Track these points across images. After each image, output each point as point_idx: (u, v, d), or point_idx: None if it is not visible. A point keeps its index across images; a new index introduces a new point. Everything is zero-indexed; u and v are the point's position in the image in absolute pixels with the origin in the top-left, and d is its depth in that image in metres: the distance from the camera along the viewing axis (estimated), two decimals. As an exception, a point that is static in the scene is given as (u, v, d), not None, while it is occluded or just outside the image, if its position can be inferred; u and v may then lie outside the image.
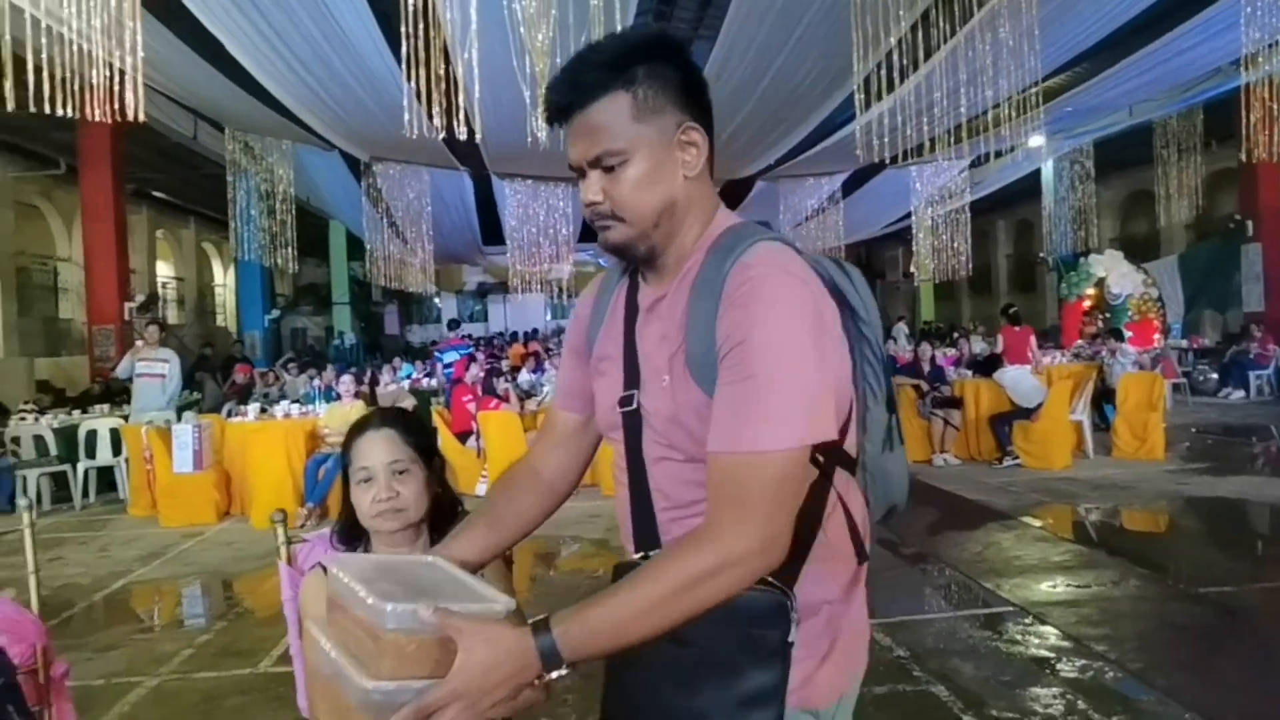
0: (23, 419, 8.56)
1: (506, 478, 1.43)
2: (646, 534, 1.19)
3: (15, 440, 8.24)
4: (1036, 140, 12.37)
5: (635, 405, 1.19)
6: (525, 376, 10.81)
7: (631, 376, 1.21)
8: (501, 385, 8.32)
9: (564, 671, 1.00)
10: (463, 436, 8.07)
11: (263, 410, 8.05)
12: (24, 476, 7.76)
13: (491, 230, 18.16)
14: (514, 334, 22.05)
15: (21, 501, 2.15)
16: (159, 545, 6.43)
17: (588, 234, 17.22)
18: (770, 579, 1.06)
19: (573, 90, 1.14)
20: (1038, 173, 17.15)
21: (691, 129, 1.16)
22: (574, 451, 1.41)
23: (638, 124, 1.13)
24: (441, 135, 7.06)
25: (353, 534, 1.70)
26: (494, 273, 23.25)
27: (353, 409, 7.80)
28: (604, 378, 1.28)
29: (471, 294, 27.35)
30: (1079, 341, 13.25)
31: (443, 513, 1.73)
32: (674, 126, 1.15)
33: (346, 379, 8.82)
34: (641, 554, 1.19)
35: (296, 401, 8.69)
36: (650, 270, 1.23)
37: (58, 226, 16.81)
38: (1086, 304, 15.18)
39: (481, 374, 8.81)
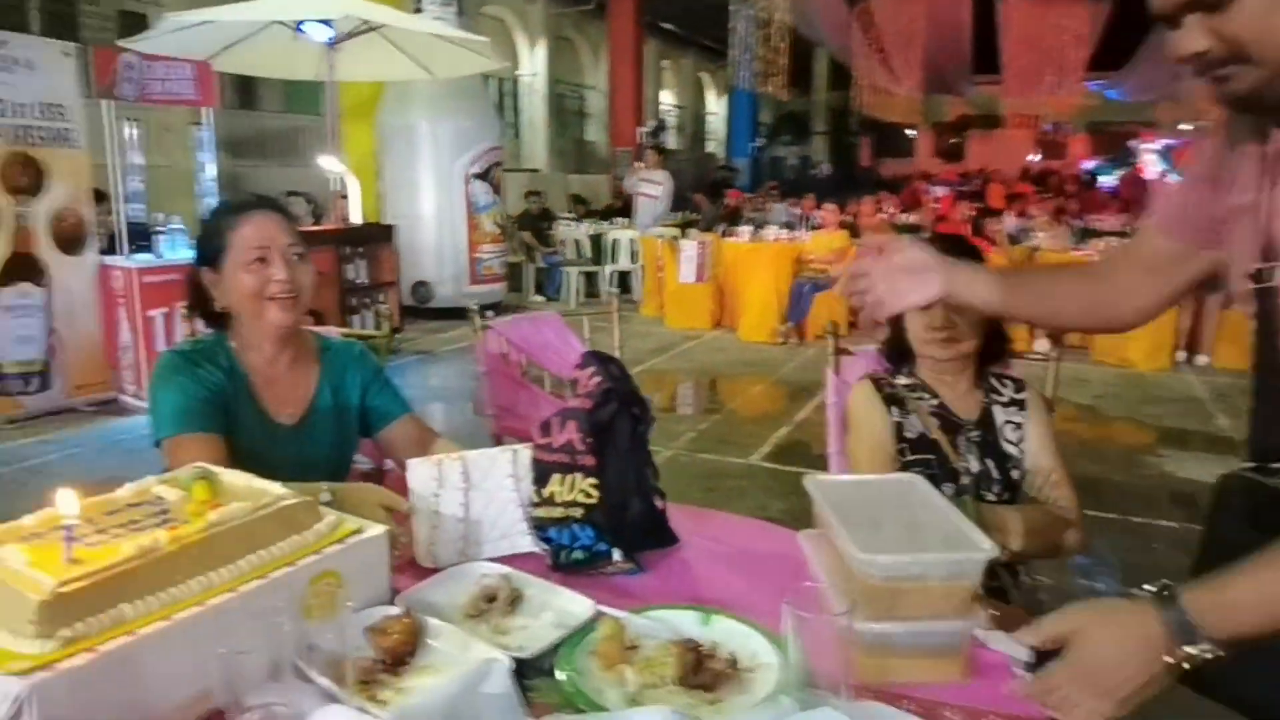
0: (566, 225, 10.28)
1: (1081, 268, 1.31)
2: (1271, 439, 1.02)
3: (561, 242, 9.96)
4: None
5: (1272, 283, 0.99)
6: (1009, 221, 9.98)
7: (1267, 247, 0.99)
8: (990, 226, 7.82)
9: (1203, 649, 0.86)
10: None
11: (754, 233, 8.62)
12: (567, 273, 9.42)
13: (984, 57, 16.57)
14: (992, 173, 20.35)
15: (610, 289, 2.63)
16: (665, 342, 7.43)
17: (1101, 62, 14.89)
18: None
19: None
20: None
21: None
22: (1160, 282, 1.20)
23: None
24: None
25: (900, 354, 1.77)
26: (978, 104, 21.36)
27: (835, 238, 8.01)
28: (1234, 233, 1.06)
29: (949, 126, 25.58)
30: None
31: (992, 348, 1.72)
32: None
33: (829, 208, 9.00)
34: (1255, 465, 1.02)
35: (785, 226, 9.13)
36: None
37: (586, 57, 19.09)
38: None
39: (972, 213, 8.35)
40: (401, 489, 2.17)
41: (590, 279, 9.55)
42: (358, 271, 6.59)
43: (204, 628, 0.95)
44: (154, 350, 5.17)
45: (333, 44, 6.46)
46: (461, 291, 8.18)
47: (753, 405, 5.70)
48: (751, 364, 6.59)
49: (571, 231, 10.04)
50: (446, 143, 8.21)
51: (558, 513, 1.33)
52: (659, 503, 1.42)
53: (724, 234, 8.75)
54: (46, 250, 4.99)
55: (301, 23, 6.22)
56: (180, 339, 5.20)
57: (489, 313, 2.56)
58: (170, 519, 1.08)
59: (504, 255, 8.87)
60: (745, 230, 8.58)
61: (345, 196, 7.19)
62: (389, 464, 2.09)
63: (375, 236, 6.96)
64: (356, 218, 7.16)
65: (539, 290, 9.70)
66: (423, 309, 8.08)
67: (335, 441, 1.77)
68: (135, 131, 5.52)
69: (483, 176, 8.39)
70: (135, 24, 9.49)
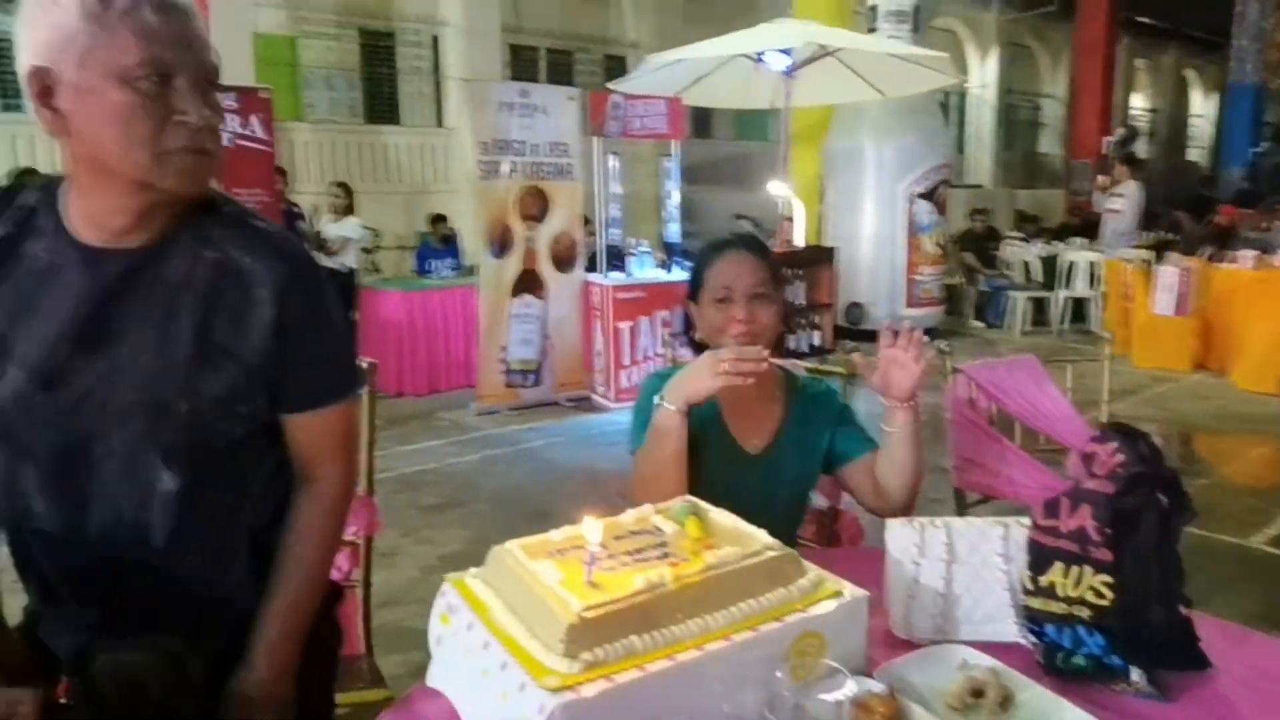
0: (1012, 245, 9.50)
1: None
2: None
3: (1007, 264, 9.23)
4: None
5: None
6: None
7: None
8: None
9: None
10: None
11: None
12: (1013, 298, 8.70)
13: None
14: None
15: (1099, 331, 2.32)
16: (1129, 384, 6.45)
17: None
18: None
19: None
20: None
21: None
22: None
23: None
24: None
25: None
26: None
27: (1383, 268, 6.33)
28: None
29: None
30: None
31: None
32: None
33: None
34: None
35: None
36: None
37: (1044, 64, 17.52)
38: None
39: None
40: (855, 529, 2.14)
41: (1039, 305, 8.71)
42: (796, 293, 6.74)
43: (701, 671, 0.98)
44: (620, 358, 5.84)
45: (790, 72, 6.68)
46: (896, 314, 7.98)
47: (1252, 472, 4.70)
48: (1249, 419, 5.46)
49: (1019, 252, 9.23)
50: (891, 162, 8.06)
51: (1058, 608, 1.17)
52: (1184, 612, 1.18)
53: (1211, 258, 7.42)
54: (545, 268, 5.90)
55: (762, 53, 6.53)
56: (641, 349, 5.84)
57: (941, 341, 2.41)
58: (670, 554, 1.14)
59: (942, 277, 8.46)
60: (1247, 255, 7.15)
61: (790, 219, 7.40)
62: (846, 502, 2.05)
63: (816, 259, 7.05)
64: (799, 240, 7.34)
65: (979, 315, 9.10)
66: (852, 330, 8.03)
67: (797, 476, 1.78)
68: (616, 163, 6.24)
69: (927, 196, 8.09)
70: (617, 67, 10.83)
